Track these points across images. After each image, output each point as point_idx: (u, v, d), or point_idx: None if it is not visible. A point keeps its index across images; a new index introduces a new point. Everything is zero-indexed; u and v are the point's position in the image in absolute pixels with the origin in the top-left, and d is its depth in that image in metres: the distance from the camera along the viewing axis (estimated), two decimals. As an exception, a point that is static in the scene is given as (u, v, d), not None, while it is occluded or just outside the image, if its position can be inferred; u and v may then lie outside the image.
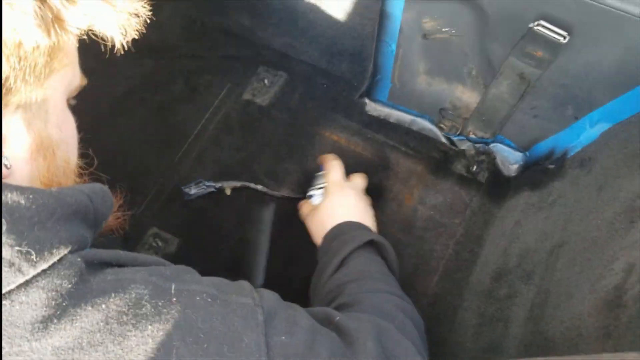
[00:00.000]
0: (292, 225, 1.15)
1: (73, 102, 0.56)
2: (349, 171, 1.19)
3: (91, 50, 1.45)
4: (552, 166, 1.12)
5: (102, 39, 0.52)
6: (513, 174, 1.20)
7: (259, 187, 1.16)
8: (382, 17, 1.09)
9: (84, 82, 0.57)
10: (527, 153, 1.19)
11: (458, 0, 0.99)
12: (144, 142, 1.25)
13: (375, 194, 1.18)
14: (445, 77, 1.15)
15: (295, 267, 1.11)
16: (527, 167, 1.18)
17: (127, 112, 1.29)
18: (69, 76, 0.53)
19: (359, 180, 1.08)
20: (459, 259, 1.12)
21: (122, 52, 1.40)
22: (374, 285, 0.80)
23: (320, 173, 1.12)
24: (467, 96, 1.17)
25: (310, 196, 1.10)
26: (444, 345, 1.02)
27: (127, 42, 0.52)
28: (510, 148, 1.21)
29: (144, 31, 0.53)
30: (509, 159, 1.21)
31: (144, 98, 1.31)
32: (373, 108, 1.27)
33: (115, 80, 1.33)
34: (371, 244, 0.90)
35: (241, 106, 1.28)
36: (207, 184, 1.15)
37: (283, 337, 0.53)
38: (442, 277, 1.10)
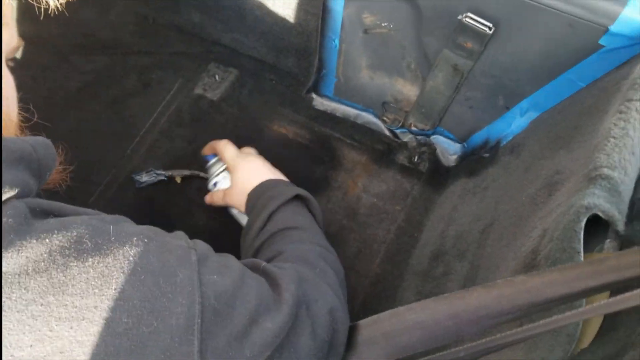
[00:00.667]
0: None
1: (11, 63, 0.60)
2: (298, 162, 1.24)
3: (46, 47, 1.47)
4: (487, 155, 1.19)
5: (37, 1, 0.55)
6: (452, 164, 1.27)
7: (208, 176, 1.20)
8: (324, 12, 1.14)
9: (21, 43, 0.60)
10: (465, 144, 1.26)
11: (394, -4, 1.06)
12: (97, 135, 1.27)
13: (321, 183, 1.23)
14: (386, 71, 1.22)
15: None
16: (465, 157, 1.25)
17: (80, 106, 1.31)
18: (6, 37, 0.56)
19: (251, 149, 1.13)
20: (400, 242, 1.17)
21: (76, 49, 1.41)
22: (299, 236, 0.86)
23: (212, 161, 1.15)
24: (408, 89, 1.23)
25: (215, 184, 1.13)
26: (383, 320, 1.06)
27: (61, 4, 0.56)
28: (449, 139, 1.28)
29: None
30: (448, 150, 1.28)
31: (97, 93, 1.34)
32: (320, 103, 1.32)
33: (68, 76, 1.35)
34: (296, 198, 0.95)
35: (192, 100, 1.32)
36: (158, 172, 1.18)
37: (214, 276, 0.57)
38: (384, 259, 1.16)
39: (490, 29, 0.97)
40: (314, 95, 1.32)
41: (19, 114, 0.62)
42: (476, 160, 1.20)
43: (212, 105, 1.32)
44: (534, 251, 0.80)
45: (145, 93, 1.34)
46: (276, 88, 1.34)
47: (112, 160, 1.24)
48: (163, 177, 1.19)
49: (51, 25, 1.38)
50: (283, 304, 0.63)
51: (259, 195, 0.98)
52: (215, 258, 0.62)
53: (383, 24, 1.13)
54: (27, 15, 1.35)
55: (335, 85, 1.29)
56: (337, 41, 1.19)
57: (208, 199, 1.13)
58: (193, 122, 1.30)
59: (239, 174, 1.05)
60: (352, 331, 0.70)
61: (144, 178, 1.18)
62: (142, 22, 1.38)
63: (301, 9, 1.16)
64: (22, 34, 1.37)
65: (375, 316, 0.67)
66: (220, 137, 1.27)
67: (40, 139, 0.58)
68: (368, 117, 1.30)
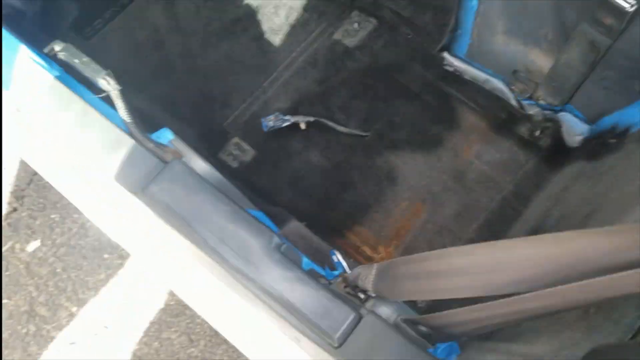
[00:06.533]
0: (351, 156, 1.26)
1: None
2: (416, 117, 1.27)
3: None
4: (613, 140, 1.13)
5: None
6: (575, 145, 1.22)
7: (330, 123, 1.27)
8: (466, -29, 1.14)
9: None
10: (594, 126, 1.20)
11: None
12: (241, 65, 1.39)
13: (434, 141, 1.26)
14: (522, 39, 1.19)
15: (347, 193, 1.22)
16: (590, 140, 1.19)
17: (231, 36, 1.44)
18: None
19: None
20: (502, 213, 1.17)
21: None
22: None
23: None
24: (541, 61, 1.19)
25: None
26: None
27: None
28: (577, 119, 1.22)
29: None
30: (575, 129, 1.22)
31: (248, 27, 1.45)
32: (450, 62, 1.32)
33: (226, 9, 1.48)
34: None
35: (330, 44, 1.39)
36: (285, 117, 1.26)
37: None
38: (482, 226, 1.17)
39: (632, 5, 0.92)
40: (445, 54, 1.33)
41: None
42: (601, 144, 1.14)
43: (347, 52, 1.38)
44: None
45: (290, 33, 1.43)
46: (410, 43, 1.37)
47: (249, 88, 1.36)
48: (289, 122, 1.27)
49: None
50: None
51: None
52: None
53: (524, -11, 1.10)
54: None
55: (469, 47, 1.28)
56: (475, 1, 1.18)
57: None
58: (326, 65, 1.37)
59: None
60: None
61: (271, 123, 1.26)
62: (297, -37, 1.46)
63: (444, -35, 1.17)
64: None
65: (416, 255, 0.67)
66: (348, 82, 1.33)
67: None
68: (496, 84, 1.28)
